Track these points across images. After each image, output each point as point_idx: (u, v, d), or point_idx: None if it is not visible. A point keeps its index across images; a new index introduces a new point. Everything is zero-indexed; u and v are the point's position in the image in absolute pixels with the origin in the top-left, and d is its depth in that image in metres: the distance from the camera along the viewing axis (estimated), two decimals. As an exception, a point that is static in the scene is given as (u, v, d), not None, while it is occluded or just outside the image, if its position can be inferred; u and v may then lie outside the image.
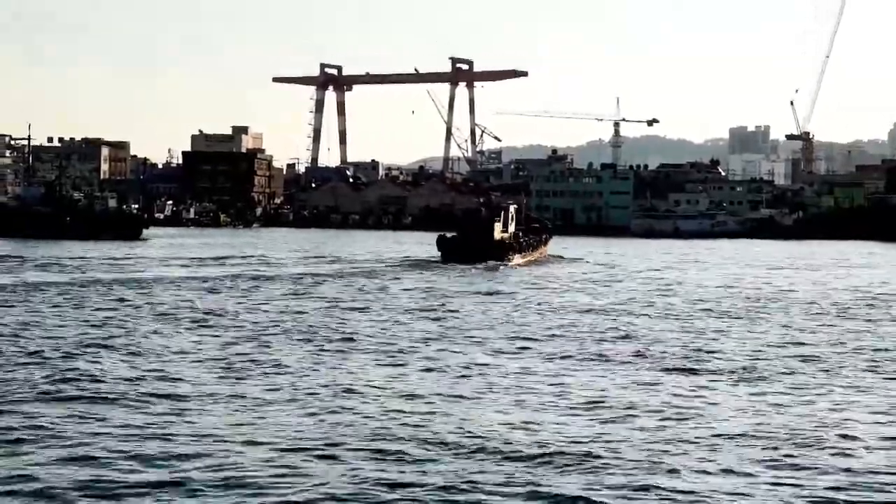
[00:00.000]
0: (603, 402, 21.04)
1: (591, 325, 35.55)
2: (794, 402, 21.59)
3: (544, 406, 20.57)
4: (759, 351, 29.76)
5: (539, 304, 43.53)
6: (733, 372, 25.51)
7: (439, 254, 74.36)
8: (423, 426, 18.25)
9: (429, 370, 24.99)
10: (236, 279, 54.46)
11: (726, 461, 16.20)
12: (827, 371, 25.93)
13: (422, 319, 36.61)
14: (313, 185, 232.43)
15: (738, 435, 18.12)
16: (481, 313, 38.97)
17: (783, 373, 25.71)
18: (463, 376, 24.12)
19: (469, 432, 17.85)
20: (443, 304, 42.05)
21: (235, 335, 30.88)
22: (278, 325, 33.68)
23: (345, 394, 21.37)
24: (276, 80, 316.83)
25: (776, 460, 16.51)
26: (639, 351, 28.71)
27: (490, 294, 48.04)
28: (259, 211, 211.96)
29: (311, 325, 33.90)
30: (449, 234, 75.84)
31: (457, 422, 18.73)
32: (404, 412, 19.51)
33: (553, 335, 32.28)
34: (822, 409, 20.83)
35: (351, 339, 30.24)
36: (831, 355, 28.75)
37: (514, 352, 28.56)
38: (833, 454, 16.87)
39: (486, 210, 78.18)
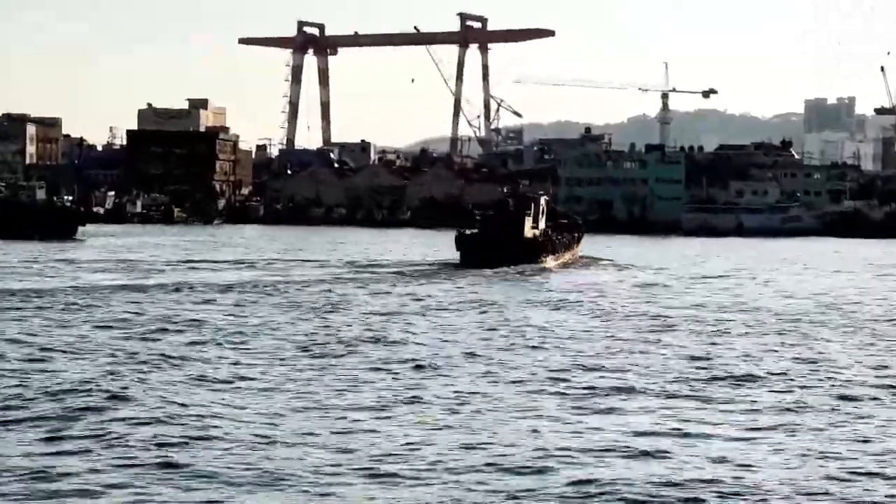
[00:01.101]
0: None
1: (692, 347, 35.77)
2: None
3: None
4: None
5: (621, 321, 43.72)
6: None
7: (458, 254, 75.86)
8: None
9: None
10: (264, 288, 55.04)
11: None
12: None
13: (495, 339, 36.89)
14: (289, 171, 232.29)
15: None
16: (560, 330, 39.91)
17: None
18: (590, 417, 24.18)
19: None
20: (508, 322, 42.12)
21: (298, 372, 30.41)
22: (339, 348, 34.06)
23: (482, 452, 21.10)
24: (242, 41, 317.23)
25: None
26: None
27: (555, 308, 48.79)
28: (222, 204, 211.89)
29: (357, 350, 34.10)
30: (468, 231, 77.30)
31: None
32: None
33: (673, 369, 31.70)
34: None
35: (421, 366, 30.38)
36: None
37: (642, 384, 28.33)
38: None
39: (514, 202, 79.29)
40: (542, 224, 79.97)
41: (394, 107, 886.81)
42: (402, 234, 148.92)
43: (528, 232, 76.93)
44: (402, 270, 71.03)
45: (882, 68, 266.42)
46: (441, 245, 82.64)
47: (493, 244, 73.94)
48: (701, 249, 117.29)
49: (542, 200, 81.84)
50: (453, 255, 76.48)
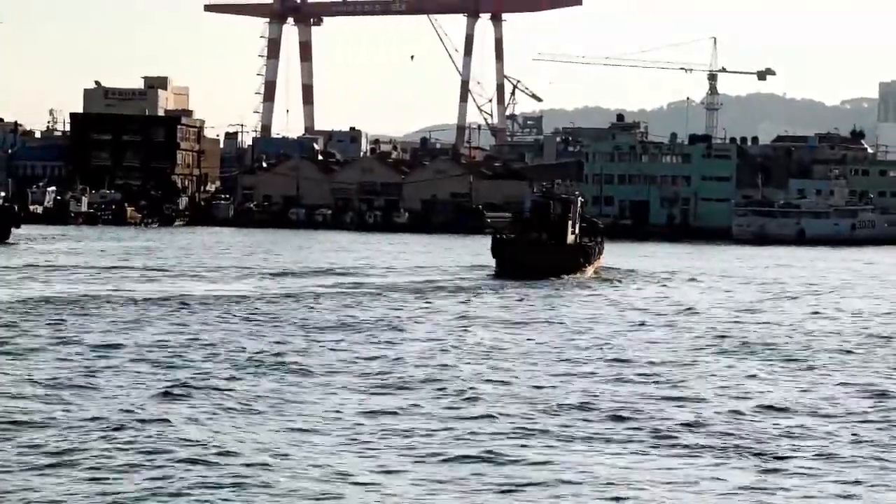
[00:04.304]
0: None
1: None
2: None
3: None
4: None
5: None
6: None
7: (494, 263, 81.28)
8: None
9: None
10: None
11: None
12: None
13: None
14: (264, 164, 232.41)
15: None
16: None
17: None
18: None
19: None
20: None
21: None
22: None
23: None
24: (209, 8, 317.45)
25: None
26: None
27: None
28: (184, 202, 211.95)
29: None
30: (506, 236, 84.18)
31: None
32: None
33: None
34: None
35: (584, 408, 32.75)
36: None
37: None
38: None
39: (554, 204, 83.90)
40: (577, 228, 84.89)
41: (389, 88, 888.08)
42: (406, 241, 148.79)
43: (570, 238, 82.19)
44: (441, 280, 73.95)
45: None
46: (457, 253, 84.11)
47: (536, 251, 79.45)
48: (763, 260, 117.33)
49: (579, 202, 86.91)
50: (476, 262, 79.12)
